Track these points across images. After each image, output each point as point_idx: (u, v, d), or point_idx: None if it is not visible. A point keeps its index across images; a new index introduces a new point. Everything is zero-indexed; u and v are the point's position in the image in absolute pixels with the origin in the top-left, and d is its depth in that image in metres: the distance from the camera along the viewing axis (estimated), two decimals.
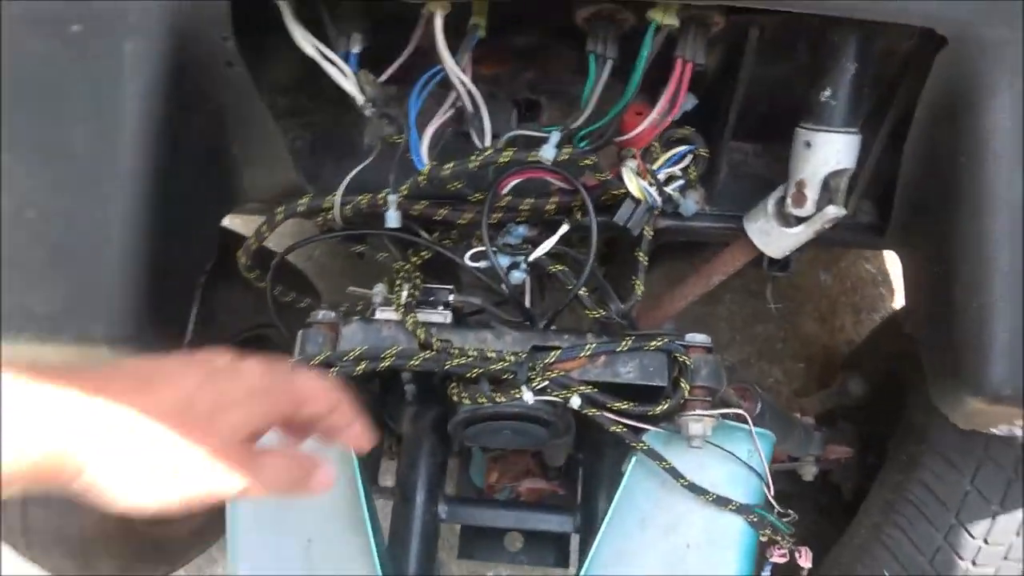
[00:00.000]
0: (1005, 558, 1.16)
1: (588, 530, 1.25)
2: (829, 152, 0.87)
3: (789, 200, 0.91)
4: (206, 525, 1.69)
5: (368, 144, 0.90)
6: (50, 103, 0.82)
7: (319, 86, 1.07)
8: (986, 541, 1.14)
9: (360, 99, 0.86)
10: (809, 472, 1.30)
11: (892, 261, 2.18)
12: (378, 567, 0.88)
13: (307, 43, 0.83)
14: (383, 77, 0.89)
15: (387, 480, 1.38)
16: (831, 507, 1.40)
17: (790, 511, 1.02)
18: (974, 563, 1.15)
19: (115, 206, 0.81)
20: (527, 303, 1.04)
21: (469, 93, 0.82)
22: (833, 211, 0.89)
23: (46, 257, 0.82)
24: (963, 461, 1.13)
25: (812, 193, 0.89)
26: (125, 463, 0.48)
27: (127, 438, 0.48)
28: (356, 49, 0.86)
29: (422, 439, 1.29)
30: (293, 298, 1.18)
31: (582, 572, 0.87)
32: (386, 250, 1.12)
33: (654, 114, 0.85)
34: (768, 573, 1.03)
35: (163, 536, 1.52)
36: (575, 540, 1.38)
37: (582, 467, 1.32)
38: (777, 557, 1.04)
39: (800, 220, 0.92)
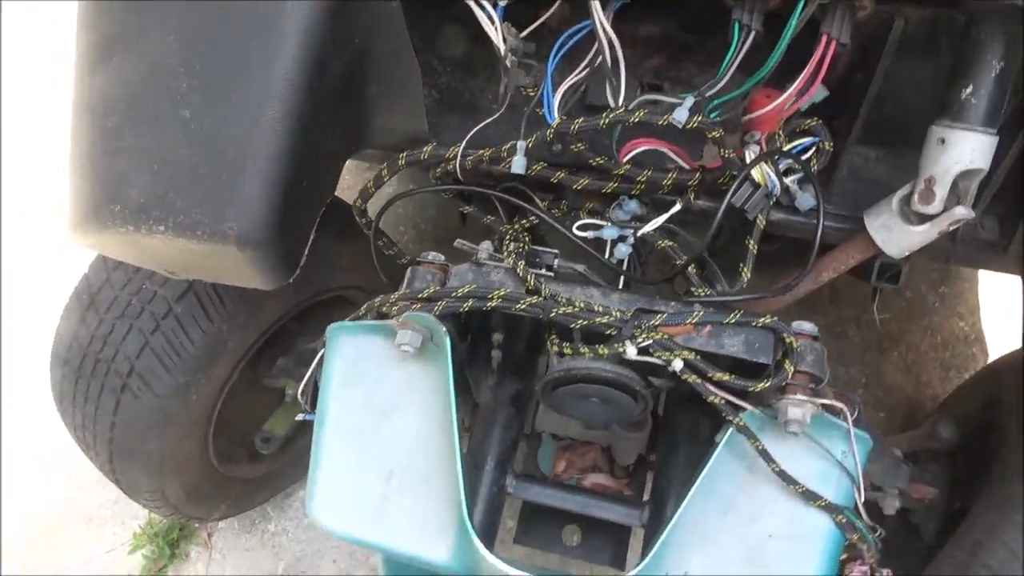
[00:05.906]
0: None
1: (654, 527, 1.22)
2: (964, 150, 0.86)
3: (916, 196, 0.89)
4: (278, 470, 1.68)
5: (503, 94, 0.93)
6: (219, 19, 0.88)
7: (447, 48, 1.12)
8: None
9: (503, 47, 0.89)
10: (891, 505, 1.25)
11: (988, 321, 2.10)
12: (463, 496, 0.87)
13: None
14: (524, 33, 0.92)
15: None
16: (907, 547, 1.33)
17: (878, 527, 0.99)
18: None
19: (265, 116, 0.85)
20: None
21: (611, 43, 0.84)
22: (961, 211, 0.87)
23: (195, 155, 0.87)
24: None
25: (941, 191, 0.87)
26: None
27: None
28: (503, 2, 0.90)
29: (499, 411, 1.29)
30: (395, 252, 1.21)
31: (657, 543, 0.84)
32: (493, 213, 1.15)
33: (791, 90, 0.85)
34: None
35: (233, 475, 1.54)
36: (633, 542, 1.36)
37: (655, 464, 1.29)
38: (857, 573, 1.00)
39: (925, 219, 0.91)
